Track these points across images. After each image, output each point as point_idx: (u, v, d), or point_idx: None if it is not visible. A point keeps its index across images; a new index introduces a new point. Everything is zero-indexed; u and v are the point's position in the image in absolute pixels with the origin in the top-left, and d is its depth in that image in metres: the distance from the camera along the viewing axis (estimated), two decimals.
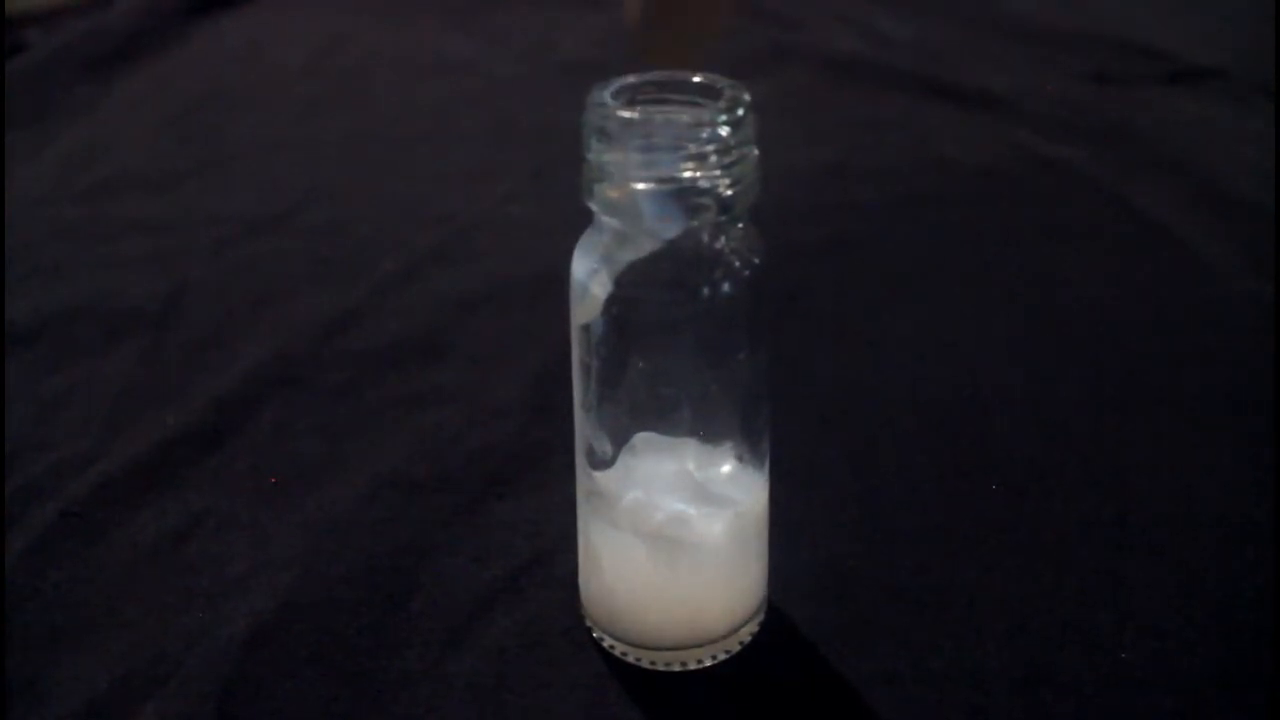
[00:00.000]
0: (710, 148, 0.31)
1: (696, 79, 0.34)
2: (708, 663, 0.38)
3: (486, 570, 0.42)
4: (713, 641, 0.38)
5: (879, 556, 0.42)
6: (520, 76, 0.94)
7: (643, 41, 0.31)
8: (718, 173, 0.32)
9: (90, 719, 0.37)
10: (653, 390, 0.35)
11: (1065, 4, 1.05)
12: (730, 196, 0.32)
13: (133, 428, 0.50)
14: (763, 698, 0.37)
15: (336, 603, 0.41)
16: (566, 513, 0.39)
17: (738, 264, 0.34)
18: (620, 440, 0.36)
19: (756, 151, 0.33)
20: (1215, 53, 0.90)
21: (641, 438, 0.36)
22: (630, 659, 0.38)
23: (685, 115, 0.32)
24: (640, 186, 0.32)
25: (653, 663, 0.38)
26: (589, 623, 0.39)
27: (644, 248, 0.33)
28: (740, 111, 0.32)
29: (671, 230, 0.33)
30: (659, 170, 0.32)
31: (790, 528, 0.41)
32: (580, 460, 0.37)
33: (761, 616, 0.39)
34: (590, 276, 0.34)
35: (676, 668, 0.38)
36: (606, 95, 0.32)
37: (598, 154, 0.32)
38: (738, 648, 0.38)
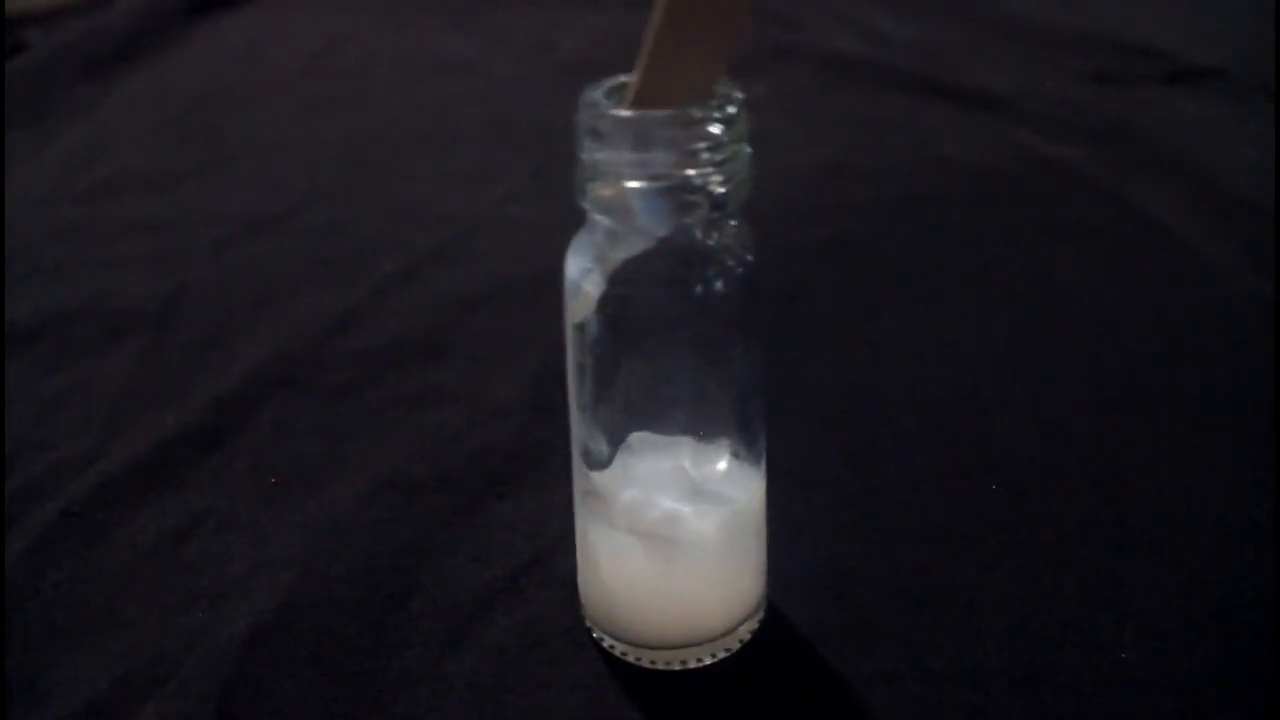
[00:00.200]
0: (702, 145, 0.31)
1: None
2: (707, 661, 0.38)
3: (486, 570, 0.42)
4: (711, 640, 0.38)
5: (879, 556, 0.42)
6: (520, 76, 0.94)
7: (651, 82, 0.31)
8: (710, 170, 0.32)
9: (90, 719, 0.36)
10: (648, 389, 0.35)
11: (1065, 4, 1.05)
12: (722, 194, 0.32)
13: (133, 428, 0.50)
14: (762, 697, 0.37)
15: (336, 603, 0.41)
16: (566, 513, 0.39)
17: (731, 261, 0.34)
18: (616, 439, 0.36)
19: (749, 148, 0.33)
20: (1215, 53, 0.90)
21: (637, 437, 0.36)
22: (630, 659, 0.38)
23: (676, 114, 0.32)
24: (632, 185, 0.32)
25: (652, 662, 0.38)
26: (588, 623, 0.39)
27: (637, 246, 0.33)
28: (732, 109, 0.32)
29: (664, 228, 0.33)
30: (651, 168, 0.32)
31: (790, 527, 0.41)
32: (576, 460, 0.37)
33: (760, 615, 0.39)
34: (583, 275, 0.34)
35: (676, 667, 0.38)
36: (598, 95, 0.33)
37: (590, 153, 0.32)
38: (737, 646, 0.38)
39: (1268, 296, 0.58)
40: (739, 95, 0.32)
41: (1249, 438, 0.48)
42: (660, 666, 0.38)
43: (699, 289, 0.34)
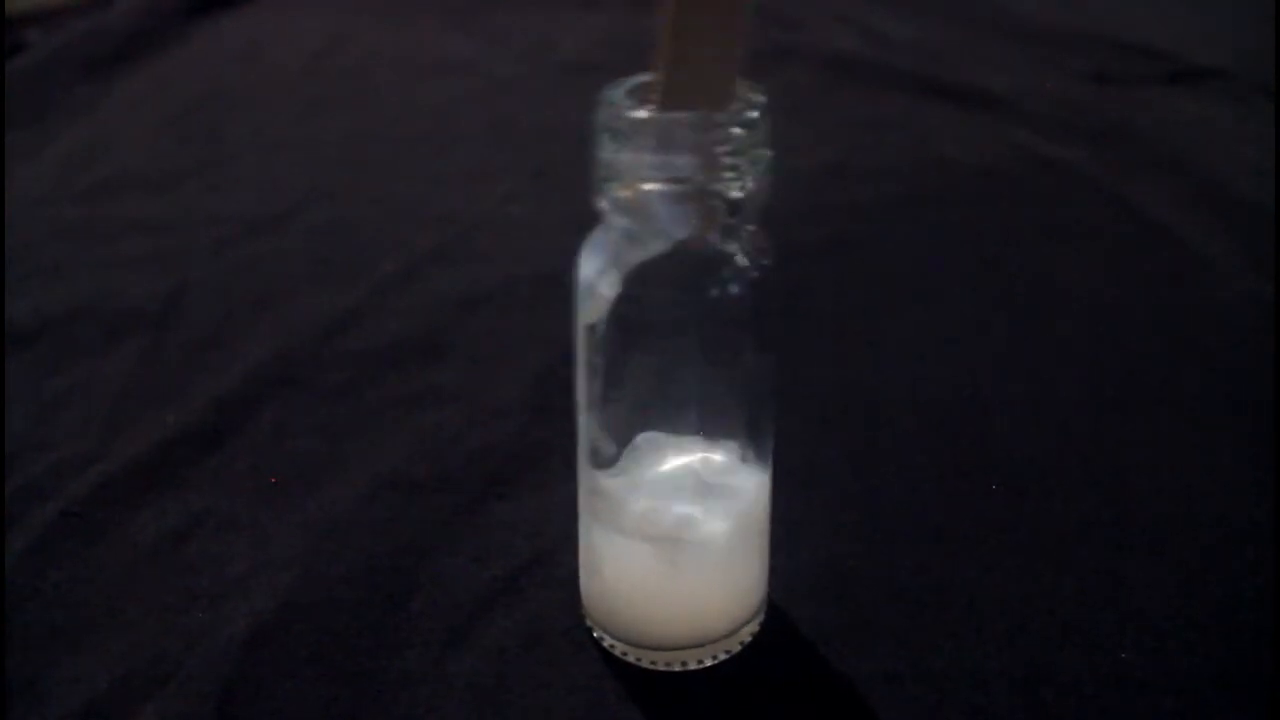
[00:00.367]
0: (722, 149, 0.31)
1: None
2: (708, 663, 0.38)
3: (486, 570, 0.42)
4: (713, 641, 0.37)
5: (879, 556, 0.42)
6: (520, 76, 0.94)
7: (667, 87, 0.31)
8: (731, 174, 0.32)
9: (90, 719, 0.36)
10: (658, 390, 0.35)
11: (1065, 4, 1.05)
12: (741, 199, 0.32)
13: (133, 428, 0.50)
14: (763, 698, 0.37)
15: (336, 603, 0.41)
16: (566, 513, 0.39)
17: (747, 265, 0.34)
18: (624, 440, 0.36)
19: (769, 153, 0.33)
20: (1215, 53, 0.90)
21: (645, 437, 0.36)
22: (630, 659, 0.38)
23: (699, 117, 0.32)
24: (651, 187, 0.32)
25: (653, 663, 0.38)
26: (589, 623, 0.39)
27: (654, 248, 0.33)
28: (754, 113, 0.32)
29: (682, 231, 0.32)
30: (671, 171, 0.31)
31: (790, 528, 0.41)
32: (583, 459, 0.37)
33: (762, 616, 0.39)
34: (598, 276, 0.34)
35: (677, 668, 0.38)
36: (619, 95, 0.32)
37: (609, 154, 0.32)
38: (738, 648, 0.38)
39: (1268, 296, 0.58)
40: (761, 99, 0.32)
41: (1249, 438, 0.48)
42: (661, 667, 0.38)
43: (714, 293, 0.34)
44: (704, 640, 0.37)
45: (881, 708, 0.36)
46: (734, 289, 0.34)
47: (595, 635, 0.39)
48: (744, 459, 0.37)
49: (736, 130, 0.31)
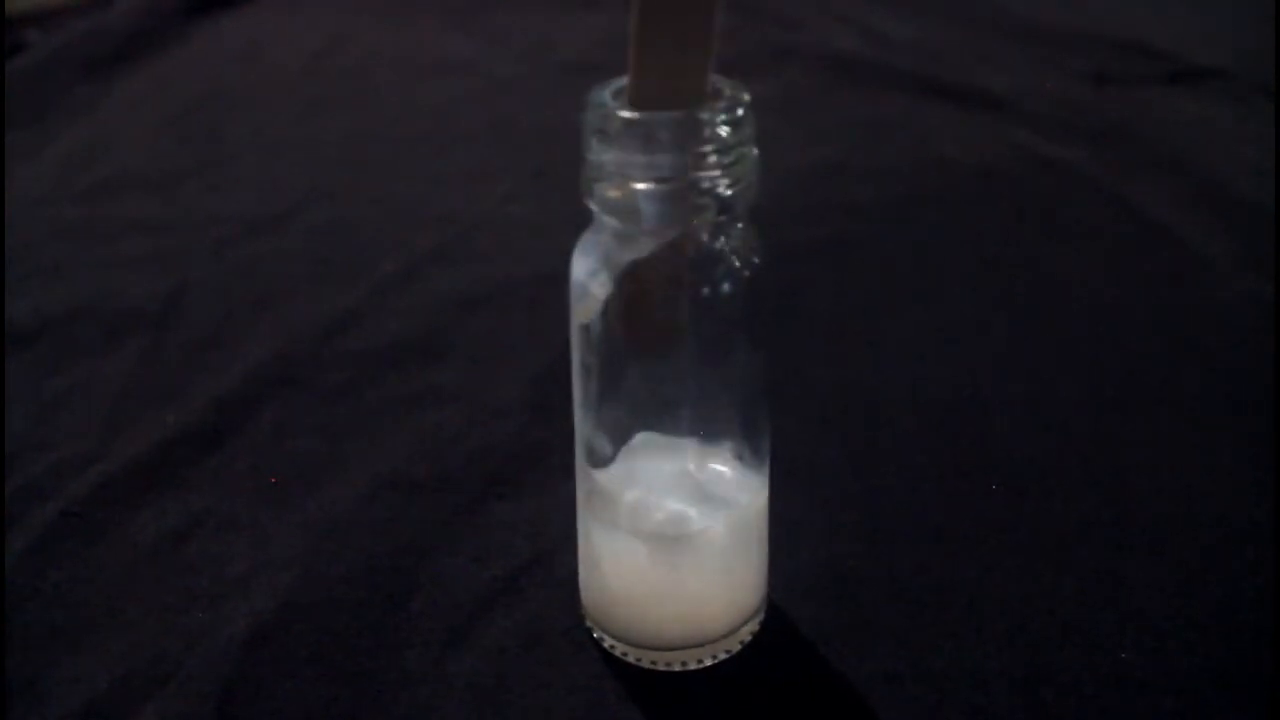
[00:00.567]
0: (710, 147, 0.31)
1: None
2: (708, 662, 0.38)
3: (486, 570, 0.42)
4: (713, 641, 0.38)
5: (879, 556, 0.42)
6: (520, 76, 0.94)
7: (643, 84, 0.31)
8: (717, 172, 0.32)
9: (90, 719, 0.37)
10: (653, 390, 0.35)
11: (1065, 4, 1.05)
12: (730, 196, 0.32)
13: (133, 428, 0.50)
14: (763, 698, 0.37)
15: (336, 603, 0.41)
16: (566, 513, 0.39)
17: (738, 264, 0.34)
18: (620, 440, 0.36)
19: (756, 151, 0.33)
20: (1215, 53, 0.90)
21: (642, 437, 0.36)
22: (630, 659, 0.38)
23: (684, 116, 0.32)
24: (640, 186, 0.32)
25: (653, 663, 0.38)
26: (589, 623, 0.39)
27: (644, 248, 0.33)
28: (739, 111, 0.32)
29: (672, 230, 0.33)
30: (658, 170, 0.31)
31: (790, 527, 0.41)
32: (580, 460, 0.37)
33: (761, 616, 0.39)
34: (590, 277, 0.34)
35: (676, 668, 0.38)
36: (606, 95, 0.32)
37: (597, 154, 0.32)
38: (738, 648, 0.38)
39: (1268, 296, 0.58)
40: (746, 97, 0.32)
41: (1249, 438, 0.48)
42: (661, 667, 0.38)
43: (705, 291, 0.34)
44: (703, 640, 0.37)
45: (881, 708, 0.36)
46: (726, 287, 0.34)
47: (595, 635, 0.39)
48: (740, 458, 0.37)
49: (722, 128, 0.31)
